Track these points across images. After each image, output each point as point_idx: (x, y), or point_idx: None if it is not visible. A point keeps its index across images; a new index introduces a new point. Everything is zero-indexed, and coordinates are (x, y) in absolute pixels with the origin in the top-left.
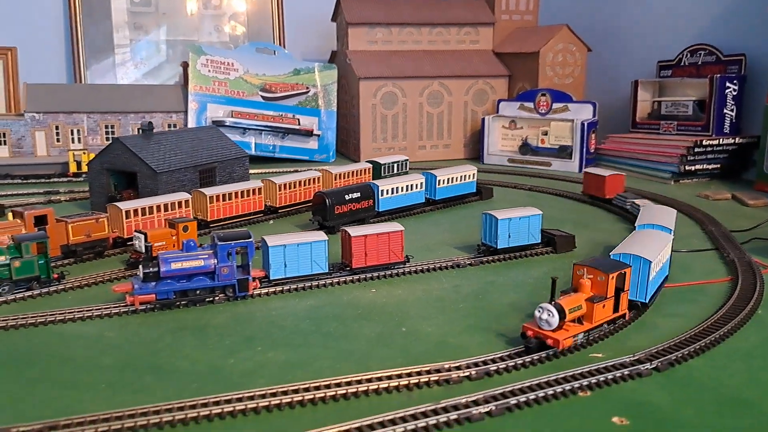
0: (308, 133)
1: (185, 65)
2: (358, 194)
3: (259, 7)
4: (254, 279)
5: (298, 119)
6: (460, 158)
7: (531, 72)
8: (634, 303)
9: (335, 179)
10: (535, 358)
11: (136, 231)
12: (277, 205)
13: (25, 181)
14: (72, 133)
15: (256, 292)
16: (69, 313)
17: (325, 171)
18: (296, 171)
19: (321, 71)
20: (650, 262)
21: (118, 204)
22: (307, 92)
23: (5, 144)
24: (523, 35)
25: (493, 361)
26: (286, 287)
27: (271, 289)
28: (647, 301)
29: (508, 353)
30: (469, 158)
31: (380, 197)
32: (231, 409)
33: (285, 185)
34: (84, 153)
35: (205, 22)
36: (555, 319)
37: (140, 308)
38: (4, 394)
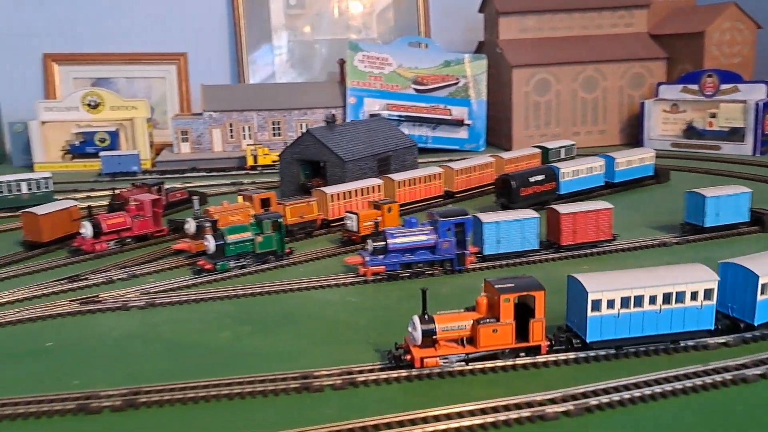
0: (459, 123)
1: (342, 62)
2: (542, 177)
3: (405, 3)
4: (471, 254)
5: (450, 110)
6: (615, 144)
7: (694, 53)
8: (738, 322)
9: (506, 164)
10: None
11: (347, 212)
12: (455, 190)
13: (210, 174)
14: (243, 130)
15: (471, 266)
16: (310, 282)
17: (497, 157)
18: (459, 159)
19: (471, 62)
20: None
21: (324, 189)
22: (457, 83)
23: (187, 141)
24: (682, 15)
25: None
26: (497, 263)
27: (485, 264)
28: (755, 323)
29: None
30: (625, 144)
31: (561, 180)
32: None
33: (462, 171)
34: (260, 148)
35: (354, 20)
36: (418, 334)
37: (371, 278)
38: (297, 346)
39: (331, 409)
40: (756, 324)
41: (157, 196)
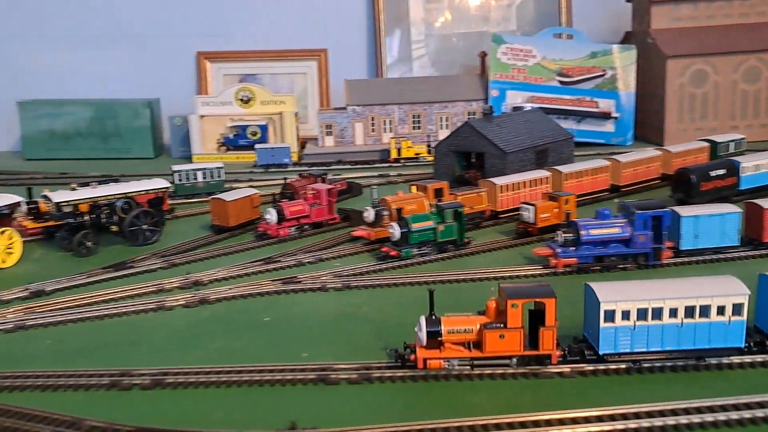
0: (606, 116)
1: (483, 55)
2: (723, 171)
3: None
4: (668, 248)
5: (596, 102)
6: None
7: None
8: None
9: (674, 158)
10: None
11: (524, 203)
12: (621, 184)
13: (354, 166)
14: (384, 123)
15: (666, 261)
16: (493, 271)
17: (664, 150)
18: (623, 152)
19: (620, 52)
20: (600, 303)
21: (493, 180)
22: (604, 75)
23: (331, 134)
24: None
25: None
26: (694, 258)
27: (680, 260)
28: None
29: None
30: None
31: (742, 175)
32: None
33: (629, 164)
34: (403, 141)
35: (493, 12)
36: (423, 335)
37: (560, 270)
38: None
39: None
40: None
41: (332, 186)
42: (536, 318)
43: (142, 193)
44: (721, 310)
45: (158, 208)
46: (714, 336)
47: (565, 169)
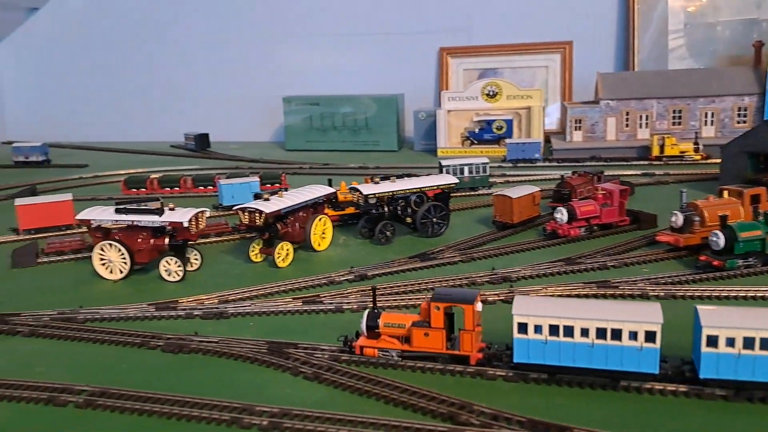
0: None
1: (759, 44)
2: None
3: None
4: None
5: None
6: None
7: None
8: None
9: None
10: None
11: None
12: None
13: (609, 163)
14: (640, 119)
15: None
16: None
17: None
18: None
19: None
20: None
21: None
22: None
23: (580, 129)
24: None
25: None
26: None
27: None
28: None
29: None
30: None
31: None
32: None
33: None
34: (668, 137)
35: None
36: (363, 327)
37: None
38: None
39: None
40: (701, 377)
41: (625, 187)
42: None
43: (433, 188)
44: (633, 336)
45: (445, 202)
46: (626, 359)
47: None
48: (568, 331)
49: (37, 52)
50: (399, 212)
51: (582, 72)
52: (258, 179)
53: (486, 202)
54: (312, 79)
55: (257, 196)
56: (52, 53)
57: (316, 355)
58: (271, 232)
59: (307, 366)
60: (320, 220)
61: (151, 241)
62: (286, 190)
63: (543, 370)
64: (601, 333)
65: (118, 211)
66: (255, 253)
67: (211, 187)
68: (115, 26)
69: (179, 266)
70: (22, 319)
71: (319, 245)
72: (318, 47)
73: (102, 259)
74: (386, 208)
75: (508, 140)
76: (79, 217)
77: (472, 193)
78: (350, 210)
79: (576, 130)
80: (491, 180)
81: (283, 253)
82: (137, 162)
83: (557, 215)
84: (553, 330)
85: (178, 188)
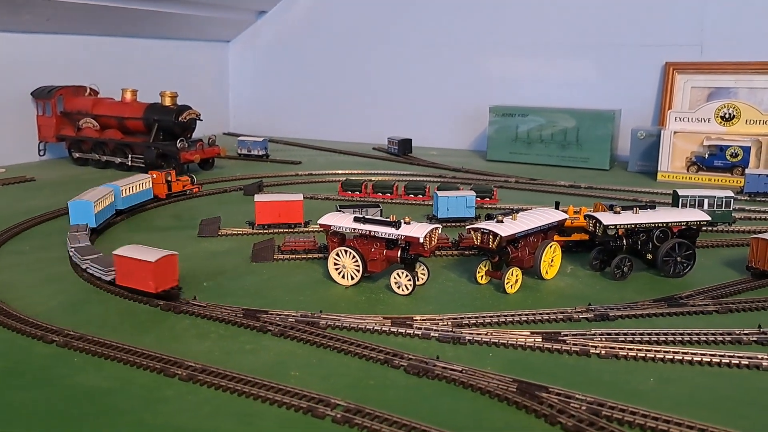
0: None
1: None
2: None
3: None
4: None
5: None
6: None
7: None
8: None
9: None
10: None
11: None
12: None
13: None
14: None
15: None
16: None
17: None
18: None
19: None
20: None
21: None
22: None
23: None
24: None
25: None
26: None
27: None
28: None
29: None
30: None
31: None
32: None
33: None
34: None
35: None
36: None
37: None
38: None
39: None
40: None
41: None
42: None
43: (680, 224)
44: None
45: (692, 240)
46: None
47: None
48: None
49: (260, 52)
50: (639, 246)
51: None
52: (474, 194)
53: (731, 240)
54: (521, 89)
55: (489, 217)
56: (274, 54)
57: (572, 405)
58: (502, 255)
59: (565, 416)
60: (550, 246)
61: (384, 252)
62: (498, 209)
63: None
64: None
65: (356, 219)
66: (481, 275)
67: (421, 196)
68: (334, 32)
69: (409, 280)
70: (270, 317)
71: (546, 273)
72: (528, 56)
73: (336, 264)
74: (625, 241)
75: (748, 170)
76: (321, 221)
77: (713, 229)
78: (577, 236)
79: None
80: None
81: (513, 279)
82: (345, 163)
83: None
84: None
85: (390, 194)
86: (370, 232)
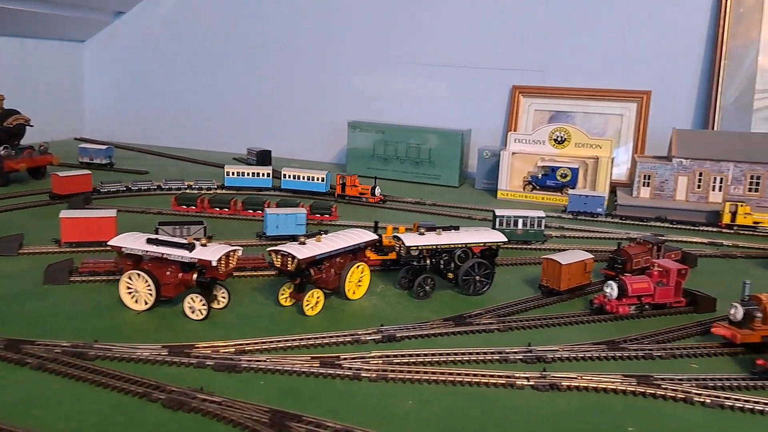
0: None
1: None
2: None
3: None
4: None
5: None
6: None
7: None
8: None
9: None
10: None
11: None
12: None
13: (675, 226)
14: (713, 181)
15: None
16: None
17: None
18: None
19: None
20: None
21: None
22: None
23: (648, 186)
24: None
25: None
26: None
27: None
28: None
29: None
30: None
31: None
32: None
33: None
34: (741, 205)
35: None
36: None
37: None
38: None
39: None
40: None
41: (684, 266)
42: None
43: (479, 245)
44: None
45: (491, 260)
46: None
47: None
48: None
49: (120, 54)
50: (441, 266)
51: (657, 124)
52: (306, 210)
53: (537, 259)
54: (380, 106)
55: (293, 239)
56: (134, 57)
57: None
58: (303, 277)
59: None
60: (358, 267)
61: (179, 275)
62: (326, 232)
63: None
64: None
65: (149, 241)
66: (284, 296)
67: (261, 212)
68: (196, 38)
69: (203, 304)
70: (35, 348)
71: (354, 293)
72: (388, 74)
73: (129, 288)
74: (428, 261)
75: (570, 190)
76: (111, 242)
77: (525, 246)
78: (393, 255)
79: (644, 186)
80: (547, 234)
81: (313, 301)
82: (197, 173)
83: (607, 289)
84: None
85: (227, 209)
86: (162, 254)
